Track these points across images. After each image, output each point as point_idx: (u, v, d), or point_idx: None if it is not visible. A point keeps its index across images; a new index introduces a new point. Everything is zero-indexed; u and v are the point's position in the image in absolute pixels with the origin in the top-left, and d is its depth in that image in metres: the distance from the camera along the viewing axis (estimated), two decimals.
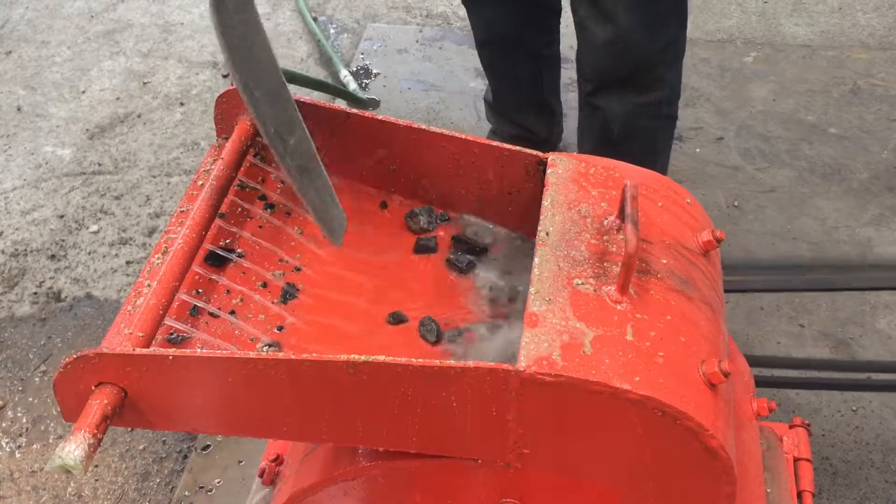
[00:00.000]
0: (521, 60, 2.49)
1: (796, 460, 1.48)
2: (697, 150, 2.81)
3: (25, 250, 2.64)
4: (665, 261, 1.09)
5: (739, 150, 2.80)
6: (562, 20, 2.49)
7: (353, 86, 3.06)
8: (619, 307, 1.01)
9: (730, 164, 2.75)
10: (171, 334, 1.12)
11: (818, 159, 2.75)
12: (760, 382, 1.70)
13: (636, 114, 2.16)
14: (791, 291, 2.24)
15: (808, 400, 2.10)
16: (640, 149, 2.23)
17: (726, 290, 1.29)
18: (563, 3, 2.43)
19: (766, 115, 2.92)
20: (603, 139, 2.24)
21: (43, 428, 2.17)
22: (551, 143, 2.71)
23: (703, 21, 3.34)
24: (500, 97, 2.63)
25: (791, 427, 1.55)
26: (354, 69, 3.22)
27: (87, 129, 3.07)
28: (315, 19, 3.47)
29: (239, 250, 1.24)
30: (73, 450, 0.93)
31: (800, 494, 1.43)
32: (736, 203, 2.62)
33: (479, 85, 3.13)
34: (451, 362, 0.95)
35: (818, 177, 2.69)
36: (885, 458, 1.99)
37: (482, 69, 3.18)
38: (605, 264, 1.06)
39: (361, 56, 3.30)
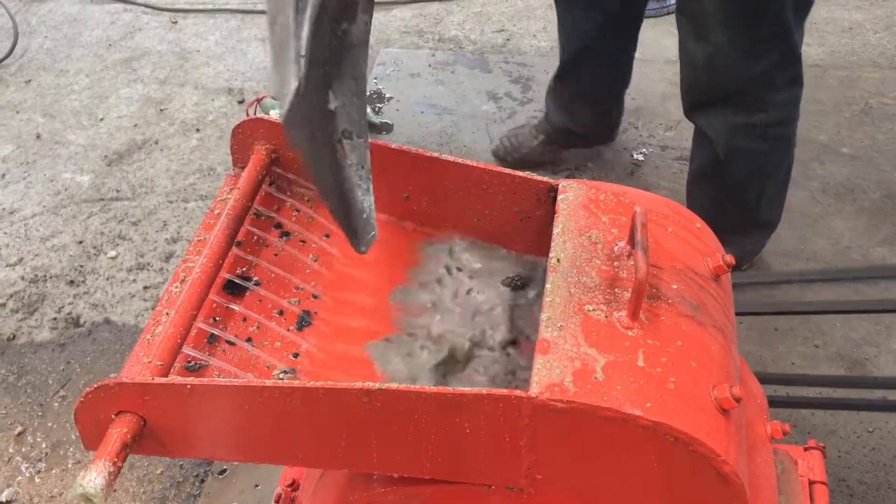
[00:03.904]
0: (593, 62, 2.59)
1: (812, 483, 1.48)
2: None
3: (45, 276, 2.67)
4: (676, 286, 1.09)
5: None
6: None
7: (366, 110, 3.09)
8: (630, 333, 1.02)
9: None
10: (189, 362, 1.14)
11: (830, 179, 2.75)
12: (775, 403, 1.70)
13: (740, 134, 2.15)
14: (805, 314, 2.24)
15: (823, 421, 2.09)
16: (748, 171, 2.22)
17: (738, 313, 1.30)
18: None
19: None
20: (709, 159, 2.25)
21: (62, 453, 2.20)
22: (598, 139, 2.86)
23: None
24: (562, 89, 2.72)
25: (806, 449, 1.54)
26: (368, 94, 3.25)
27: (106, 156, 3.12)
28: None
29: (255, 278, 1.26)
30: (93, 478, 0.94)
31: None
32: None
33: (492, 108, 3.15)
34: (464, 389, 0.97)
35: (831, 197, 2.69)
36: None
37: (493, 92, 3.22)
38: (616, 290, 1.07)
39: (374, 80, 3.34)
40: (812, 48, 3.31)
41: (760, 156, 2.20)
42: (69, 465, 2.17)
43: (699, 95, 2.18)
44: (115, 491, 2.10)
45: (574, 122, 2.75)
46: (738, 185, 2.27)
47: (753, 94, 2.09)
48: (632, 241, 1.08)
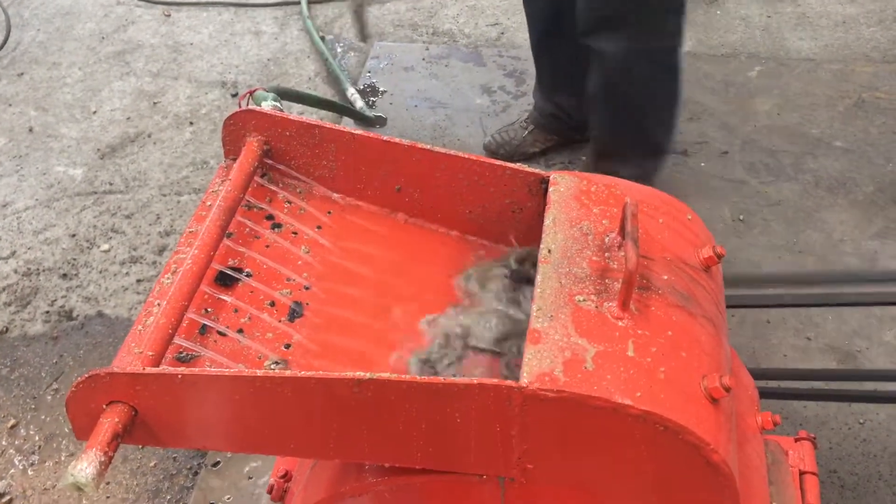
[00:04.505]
0: (561, 44, 2.64)
1: (802, 474, 1.49)
2: (702, 164, 2.82)
3: (38, 269, 2.67)
4: (666, 277, 1.10)
5: (744, 164, 2.81)
6: None
7: (360, 104, 3.09)
8: (620, 323, 1.02)
9: (735, 178, 2.76)
10: (181, 353, 1.14)
11: (823, 173, 2.76)
12: (767, 394, 1.71)
13: (631, 58, 2.27)
14: (796, 307, 2.24)
15: (815, 413, 2.10)
16: (640, 99, 2.35)
17: (730, 306, 1.30)
18: None
19: (770, 129, 2.93)
20: (604, 82, 2.39)
21: (55, 445, 2.20)
22: (587, 127, 2.85)
23: (708, 36, 3.36)
24: (542, 76, 2.83)
25: (797, 440, 1.55)
26: (361, 87, 3.25)
27: (98, 149, 3.11)
28: (322, 38, 3.51)
29: (247, 270, 1.26)
30: (84, 468, 0.95)
31: None
32: (741, 217, 2.62)
33: (485, 101, 3.15)
34: (455, 379, 0.97)
35: (823, 190, 2.70)
36: (893, 470, 1.99)
37: (488, 86, 3.22)
38: (607, 281, 1.07)
39: (368, 74, 3.34)
40: (805, 42, 3.31)
41: (651, 83, 2.32)
42: (62, 458, 2.17)
43: (589, 20, 2.30)
44: (108, 483, 2.10)
45: (559, 109, 2.80)
46: (630, 109, 2.40)
47: (642, 19, 2.22)
48: (622, 231, 1.09)
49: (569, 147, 2.88)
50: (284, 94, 2.38)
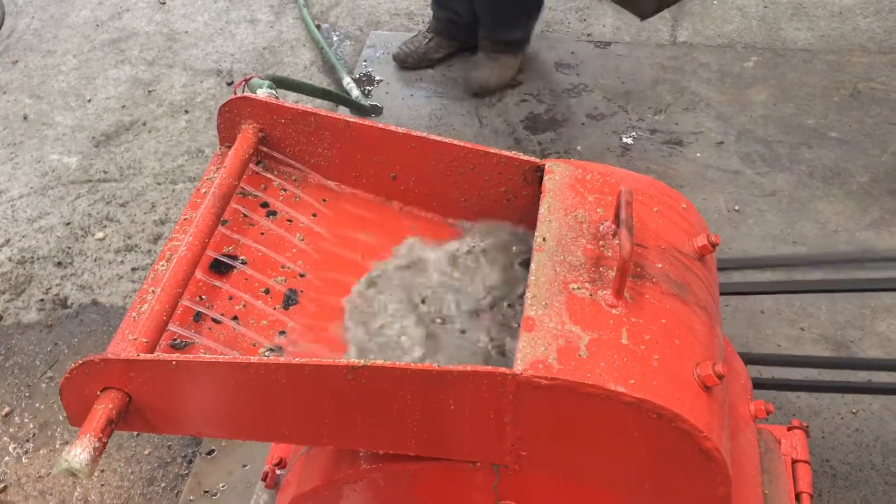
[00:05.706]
0: None
1: (794, 462, 1.49)
2: (698, 154, 2.82)
3: (32, 257, 2.66)
4: (660, 265, 1.10)
5: (740, 154, 2.81)
6: None
7: (355, 93, 3.08)
8: (614, 311, 1.03)
9: (730, 169, 2.76)
10: (175, 340, 1.14)
11: (818, 163, 2.76)
12: (760, 385, 1.71)
13: None
14: (789, 293, 2.25)
15: (808, 403, 2.11)
16: None
17: (724, 293, 1.30)
18: None
19: (766, 120, 2.93)
20: None
21: (49, 433, 2.20)
22: (475, 29, 3.23)
23: (704, 26, 3.36)
24: None
25: (789, 429, 1.55)
26: (357, 76, 3.25)
27: (93, 137, 3.10)
28: (318, 27, 3.50)
29: (242, 257, 1.26)
30: (78, 453, 0.95)
31: (798, 496, 1.44)
32: (737, 207, 2.63)
33: None
34: (449, 366, 0.97)
35: (818, 180, 2.70)
36: (885, 460, 2.00)
37: None
38: (601, 269, 1.08)
39: (364, 63, 3.33)
40: (802, 32, 3.31)
41: None
42: (57, 446, 2.17)
43: None
44: (102, 471, 2.10)
45: (455, 14, 3.14)
46: None
47: None
48: (617, 220, 1.09)
49: (564, 136, 2.88)
50: (280, 83, 2.37)
